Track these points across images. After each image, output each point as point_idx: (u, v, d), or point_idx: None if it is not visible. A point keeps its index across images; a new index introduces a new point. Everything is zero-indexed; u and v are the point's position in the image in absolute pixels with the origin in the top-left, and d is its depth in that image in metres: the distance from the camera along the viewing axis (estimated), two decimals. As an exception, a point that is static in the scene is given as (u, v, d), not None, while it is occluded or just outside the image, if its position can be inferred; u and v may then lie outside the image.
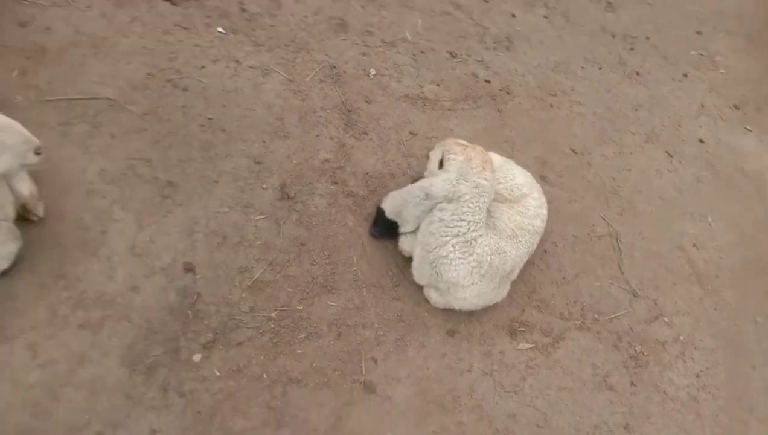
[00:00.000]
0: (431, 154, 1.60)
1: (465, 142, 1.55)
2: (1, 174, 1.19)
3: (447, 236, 1.44)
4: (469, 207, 1.42)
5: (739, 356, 1.70)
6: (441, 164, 1.51)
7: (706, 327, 1.72)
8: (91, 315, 1.33)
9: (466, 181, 1.42)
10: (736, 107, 2.32)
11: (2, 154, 1.15)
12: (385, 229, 1.56)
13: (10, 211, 1.26)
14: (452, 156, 1.49)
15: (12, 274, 1.31)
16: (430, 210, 1.46)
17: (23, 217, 1.34)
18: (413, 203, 1.46)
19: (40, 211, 1.37)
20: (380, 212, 1.54)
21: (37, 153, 1.21)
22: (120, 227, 1.44)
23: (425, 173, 1.59)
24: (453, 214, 1.43)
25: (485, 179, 1.45)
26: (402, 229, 1.53)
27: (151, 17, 1.83)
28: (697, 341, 1.69)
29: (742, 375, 1.67)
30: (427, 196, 1.44)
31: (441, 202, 1.44)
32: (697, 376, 1.63)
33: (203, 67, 1.77)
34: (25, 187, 1.33)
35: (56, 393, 1.24)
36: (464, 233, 1.44)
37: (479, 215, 1.44)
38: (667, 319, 1.70)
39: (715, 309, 1.77)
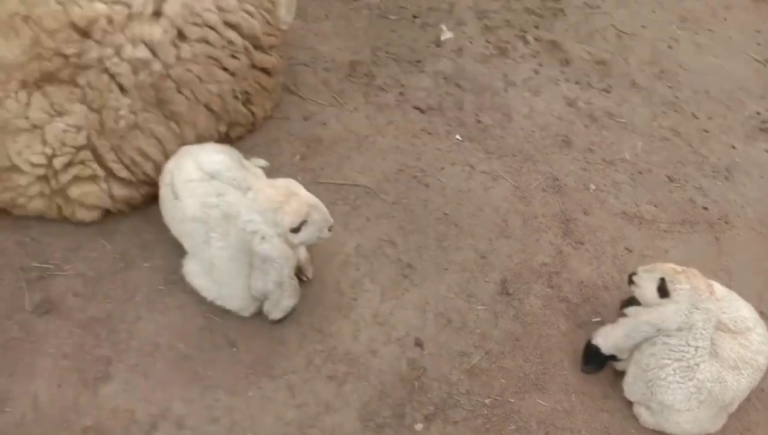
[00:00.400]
0: (637, 279, 1.60)
1: (679, 267, 1.58)
2: (302, 242, 1.47)
3: (669, 359, 1.47)
4: (701, 334, 1.45)
5: None
6: (661, 292, 1.54)
7: None
8: (338, 369, 1.55)
9: (698, 310, 1.45)
10: None
11: (309, 227, 1.43)
12: (600, 364, 1.60)
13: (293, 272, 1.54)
14: (678, 285, 1.50)
15: (283, 323, 1.58)
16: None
17: (296, 277, 1.62)
18: (639, 338, 1.49)
19: (310, 273, 1.65)
20: (593, 348, 1.56)
21: (329, 229, 1.49)
22: (368, 297, 1.68)
23: (639, 298, 1.60)
24: (680, 340, 1.45)
25: (713, 304, 1.48)
26: (620, 358, 1.56)
27: (403, 122, 2.14)
28: None
29: None
30: (659, 331, 1.47)
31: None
32: None
33: (443, 168, 2.03)
34: (303, 252, 1.61)
35: (305, 432, 1.44)
36: (689, 358, 1.46)
37: (706, 341, 1.46)
38: None
39: None
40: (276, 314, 1.53)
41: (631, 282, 1.62)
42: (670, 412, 1.51)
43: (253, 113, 1.89)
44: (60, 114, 1.50)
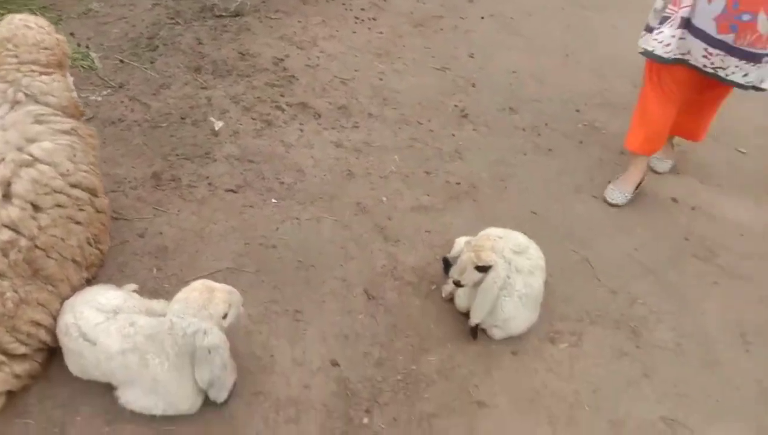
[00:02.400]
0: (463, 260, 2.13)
1: (477, 244, 2.20)
2: (230, 325, 1.75)
3: (498, 290, 2.11)
4: (506, 266, 2.11)
5: None
6: (479, 269, 2.15)
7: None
8: (289, 412, 1.87)
9: (504, 259, 2.12)
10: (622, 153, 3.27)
11: (232, 310, 1.72)
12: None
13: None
14: (484, 255, 2.13)
15: (228, 402, 1.83)
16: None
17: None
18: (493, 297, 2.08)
19: (227, 353, 1.92)
20: (475, 327, 2.13)
21: (243, 307, 1.80)
22: (280, 350, 2.01)
23: (464, 281, 2.14)
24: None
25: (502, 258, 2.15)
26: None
27: (225, 205, 2.47)
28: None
29: None
30: (500, 288, 2.08)
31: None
32: (675, 331, 2.37)
33: (277, 228, 2.43)
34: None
35: (291, 468, 1.74)
36: (507, 285, 2.12)
37: (505, 272, 2.13)
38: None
39: None
40: (223, 395, 1.78)
41: (447, 265, 2.23)
42: (509, 321, 2.16)
43: (101, 251, 2.06)
44: (-53, 320, 1.54)
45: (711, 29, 2.39)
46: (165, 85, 3.02)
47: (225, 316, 1.70)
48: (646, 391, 2.16)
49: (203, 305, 1.64)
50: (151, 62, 3.15)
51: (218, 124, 2.84)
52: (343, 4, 4.09)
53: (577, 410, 2.06)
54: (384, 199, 2.70)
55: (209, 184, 2.56)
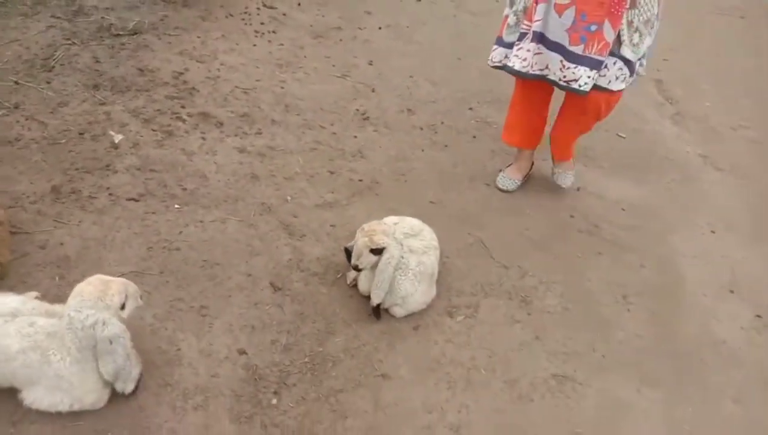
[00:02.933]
0: (354, 253, 2.27)
1: (366, 233, 2.35)
2: (129, 315, 1.80)
3: (393, 271, 2.26)
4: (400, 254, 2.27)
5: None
6: (374, 252, 2.29)
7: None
8: (197, 400, 1.93)
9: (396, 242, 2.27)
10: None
11: (130, 301, 1.77)
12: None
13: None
14: (378, 238, 2.27)
15: (136, 394, 1.88)
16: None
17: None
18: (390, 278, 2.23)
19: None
20: (377, 308, 2.27)
21: (141, 298, 1.85)
22: (187, 343, 2.07)
23: (362, 265, 2.29)
24: (386, 257, 2.24)
25: (394, 240, 2.30)
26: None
27: (127, 214, 2.51)
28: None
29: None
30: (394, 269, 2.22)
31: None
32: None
33: (180, 232, 2.48)
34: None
35: (202, 451, 1.81)
36: (401, 265, 2.27)
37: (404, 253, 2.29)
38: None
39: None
40: (130, 387, 1.82)
41: (348, 254, 2.35)
42: (408, 298, 2.31)
43: (0, 263, 2.06)
44: None
45: (565, 41, 2.51)
46: (62, 103, 3.02)
47: (123, 308, 1.75)
48: (537, 352, 2.36)
49: (99, 297, 1.69)
50: (48, 82, 3.14)
51: (118, 138, 2.87)
52: (243, 19, 4.20)
53: (474, 374, 2.22)
54: (289, 198, 2.81)
55: (110, 194, 2.59)
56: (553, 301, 2.58)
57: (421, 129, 3.52)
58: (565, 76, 2.58)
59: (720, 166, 3.73)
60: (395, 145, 3.34)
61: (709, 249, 3.04)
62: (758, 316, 2.70)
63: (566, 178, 3.15)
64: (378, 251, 2.23)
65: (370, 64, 4.06)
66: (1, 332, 1.70)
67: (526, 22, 2.58)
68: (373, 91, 3.78)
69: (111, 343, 1.71)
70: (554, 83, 2.64)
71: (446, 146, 3.42)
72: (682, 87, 4.57)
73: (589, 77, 2.54)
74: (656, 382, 2.32)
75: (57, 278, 2.18)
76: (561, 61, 2.55)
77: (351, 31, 4.42)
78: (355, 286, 2.43)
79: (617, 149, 3.69)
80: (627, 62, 2.57)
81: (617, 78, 2.59)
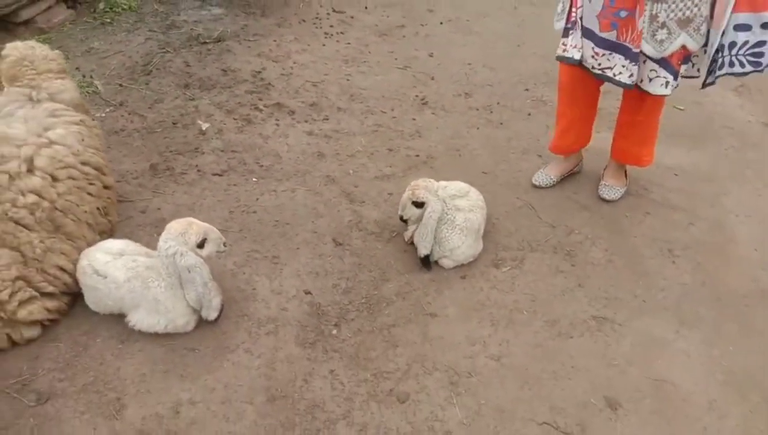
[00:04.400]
0: (403, 212, 2.55)
1: (410, 189, 2.62)
2: (208, 255, 2.16)
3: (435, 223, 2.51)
4: (441, 206, 2.51)
5: (624, 235, 2.82)
6: (416, 205, 2.57)
7: (600, 227, 2.85)
8: (269, 327, 2.26)
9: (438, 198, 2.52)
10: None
11: (209, 244, 2.13)
12: (430, 261, 2.55)
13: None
14: (420, 193, 2.55)
15: (219, 321, 2.24)
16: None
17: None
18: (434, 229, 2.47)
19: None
20: (424, 259, 2.51)
21: (224, 245, 2.21)
22: (261, 284, 2.42)
23: (411, 217, 2.61)
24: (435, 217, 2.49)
25: (435, 196, 2.55)
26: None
27: (212, 185, 2.92)
28: (598, 236, 2.81)
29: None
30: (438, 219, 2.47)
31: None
32: (606, 251, 2.73)
33: (257, 199, 2.86)
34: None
35: (273, 367, 2.13)
36: (447, 218, 2.52)
37: (444, 210, 2.52)
38: (576, 231, 2.82)
39: (601, 217, 2.91)
40: (212, 314, 2.18)
41: (402, 218, 2.63)
42: (456, 250, 2.54)
43: (110, 222, 2.50)
44: (-9, 259, 1.98)
45: (596, 27, 2.45)
46: (158, 100, 3.52)
47: (202, 246, 2.11)
48: (578, 295, 2.52)
49: (181, 233, 2.06)
50: (146, 84, 3.66)
51: (205, 126, 3.31)
52: (314, 23, 4.61)
53: (516, 314, 2.42)
54: (351, 171, 3.13)
55: (198, 170, 3.01)
56: (598, 255, 2.72)
57: (477, 110, 3.75)
58: (600, 64, 2.53)
59: (784, 132, 3.69)
60: (451, 125, 3.59)
61: (764, 208, 3.05)
62: (813, 268, 2.70)
63: (612, 190, 3.03)
64: (419, 205, 2.48)
65: (431, 56, 4.34)
66: (111, 266, 2.11)
67: (574, 9, 2.54)
68: (432, 78, 4.05)
69: (189, 271, 2.06)
70: (591, 72, 2.58)
71: (501, 124, 3.62)
72: (751, 61, 4.50)
73: (624, 66, 2.46)
74: (696, 324, 2.41)
75: (155, 235, 2.59)
76: (593, 48, 2.51)
77: (413, 28, 4.73)
78: (412, 243, 2.68)
79: (674, 120, 3.73)
80: (665, 65, 2.44)
81: (651, 79, 2.49)
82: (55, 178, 2.19)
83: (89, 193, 2.31)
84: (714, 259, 2.73)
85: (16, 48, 2.45)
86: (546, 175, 3.12)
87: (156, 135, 3.24)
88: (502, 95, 3.92)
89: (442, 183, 2.74)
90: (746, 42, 2.33)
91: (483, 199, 2.72)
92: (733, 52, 2.36)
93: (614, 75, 2.52)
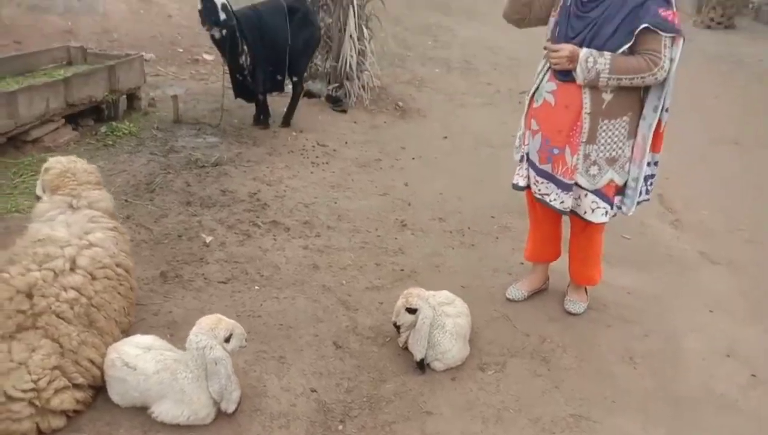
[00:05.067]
0: (398, 319, 2.90)
1: (405, 295, 2.95)
2: (232, 350, 2.36)
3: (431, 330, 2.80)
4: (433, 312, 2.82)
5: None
6: (409, 311, 2.87)
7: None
8: (281, 422, 2.42)
9: (428, 305, 2.83)
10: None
11: (234, 339, 2.34)
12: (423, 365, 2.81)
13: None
14: (413, 300, 2.87)
15: (235, 414, 2.39)
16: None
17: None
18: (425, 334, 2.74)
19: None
20: (421, 362, 2.77)
21: (246, 341, 2.43)
22: (271, 382, 2.60)
23: (402, 323, 2.90)
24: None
25: (428, 302, 2.87)
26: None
27: (218, 292, 3.15)
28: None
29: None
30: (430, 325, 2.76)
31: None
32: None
33: (261, 304, 3.09)
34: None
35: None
36: (441, 324, 2.82)
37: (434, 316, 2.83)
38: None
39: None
40: (231, 406, 2.35)
41: (395, 325, 2.92)
42: (447, 353, 2.82)
43: (130, 322, 2.69)
44: (34, 349, 2.14)
45: (536, 160, 2.96)
46: (163, 215, 3.81)
47: (228, 340, 2.33)
48: (556, 396, 2.80)
49: (211, 328, 2.28)
50: (151, 200, 3.97)
51: (208, 239, 3.60)
52: (301, 154, 5.11)
53: (503, 413, 2.67)
54: (344, 282, 3.43)
55: (205, 278, 3.25)
56: (569, 361, 3.04)
57: (451, 232, 4.19)
58: (539, 190, 3.00)
59: (716, 260, 4.25)
60: (430, 244, 4.00)
61: (708, 325, 3.49)
62: (753, 375, 3.09)
63: (576, 305, 3.39)
64: (412, 311, 2.78)
65: (406, 185, 4.85)
66: (141, 359, 2.29)
67: (523, 145, 3.10)
68: (409, 205, 4.52)
69: (216, 364, 2.26)
70: (535, 197, 3.05)
71: (473, 245, 4.06)
72: (681, 200, 5.21)
73: (557, 195, 2.93)
74: (659, 422, 2.71)
75: (168, 336, 2.78)
76: (535, 176, 3.01)
77: (389, 162, 5.29)
78: (405, 348, 2.94)
79: (622, 247, 4.26)
80: (602, 196, 2.92)
81: (593, 210, 2.94)
82: (93, 277, 2.41)
83: (119, 293, 2.52)
84: (669, 366, 3.09)
85: (59, 162, 2.76)
86: (518, 289, 3.49)
87: (163, 246, 3.50)
88: (471, 221, 4.39)
89: (431, 292, 3.08)
90: (652, 175, 2.98)
91: (467, 307, 3.05)
92: (647, 183, 2.98)
93: (550, 201, 2.98)
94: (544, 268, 3.54)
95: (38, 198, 2.85)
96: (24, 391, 2.08)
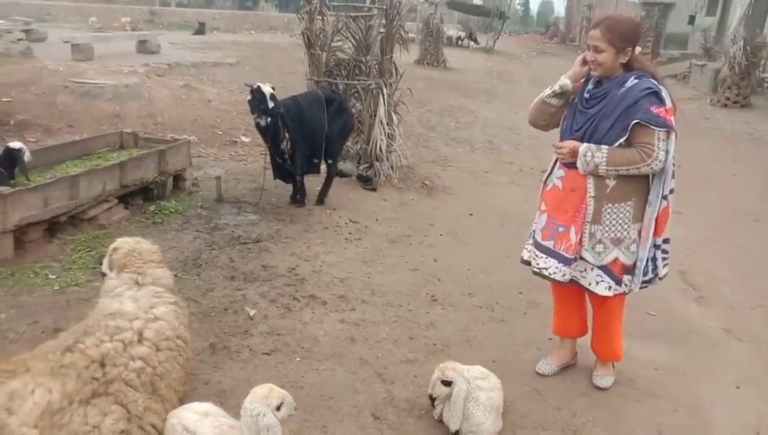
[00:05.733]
0: (434, 391, 3.06)
1: (440, 369, 3.12)
2: (282, 418, 2.53)
3: (465, 402, 2.94)
4: (466, 387, 2.97)
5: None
6: (444, 384, 3.04)
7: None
8: None
9: (463, 378, 2.99)
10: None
11: (284, 407, 2.52)
12: None
13: None
14: (449, 373, 3.04)
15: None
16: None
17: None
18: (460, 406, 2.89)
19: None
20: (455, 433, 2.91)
21: (295, 409, 2.60)
22: None
23: (437, 393, 3.06)
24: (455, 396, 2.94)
25: (463, 375, 3.03)
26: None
27: (262, 363, 3.34)
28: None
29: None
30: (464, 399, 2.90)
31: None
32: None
33: (303, 376, 3.27)
34: None
35: None
36: (474, 397, 2.95)
37: (467, 390, 2.98)
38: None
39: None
40: (280, 473, 2.50)
41: (431, 397, 3.08)
42: (481, 426, 2.94)
43: (185, 391, 2.89)
44: (106, 414, 2.34)
45: (539, 238, 3.20)
46: (210, 289, 4.07)
47: (279, 408, 2.50)
48: (588, 469, 2.89)
49: (264, 396, 2.47)
50: (198, 275, 4.24)
51: (252, 312, 3.83)
52: (335, 230, 5.39)
53: (537, 484, 2.77)
54: (379, 355, 3.60)
55: (250, 350, 3.46)
56: (600, 434, 3.14)
57: (481, 307, 4.37)
58: (538, 265, 3.22)
59: (741, 337, 4.34)
60: (460, 319, 4.17)
61: (736, 400, 3.56)
62: (783, 452, 3.15)
63: (603, 379, 3.49)
64: (448, 383, 2.94)
65: (435, 261, 5.07)
66: (199, 424, 2.48)
67: (533, 224, 3.35)
68: (438, 280, 4.72)
69: (268, 431, 2.43)
70: (533, 271, 3.27)
71: (502, 320, 4.22)
72: (703, 276, 5.34)
73: (557, 268, 3.12)
74: (692, 496, 2.78)
75: (219, 404, 2.96)
76: (535, 251, 3.24)
77: (418, 238, 5.54)
78: (440, 420, 3.07)
79: (647, 323, 4.38)
80: (607, 272, 3.08)
81: (598, 283, 3.10)
82: (158, 348, 2.64)
83: (179, 363, 2.74)
84: (699, 442, 3.17)
85: (126, 242, 3.05)
86: (548, 364, 3.63)
87: (210, 318, 3.73)
88: (500, 296, 4.57)
89: (465, 366, 3.24)
90: (654, 257, 3.14)
91: (499, 381, 3.19)
92: (654, 263, 3.15)
93: (550, 274, 3.17)
94: (572, 344, 3.68)
95: (104, 275, 3.12)
96: (96, 452, 2.27)
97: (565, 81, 3.19)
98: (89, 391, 2.35)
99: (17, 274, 4.04)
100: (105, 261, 3.16)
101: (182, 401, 2.85)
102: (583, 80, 3.18)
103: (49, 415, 2.23)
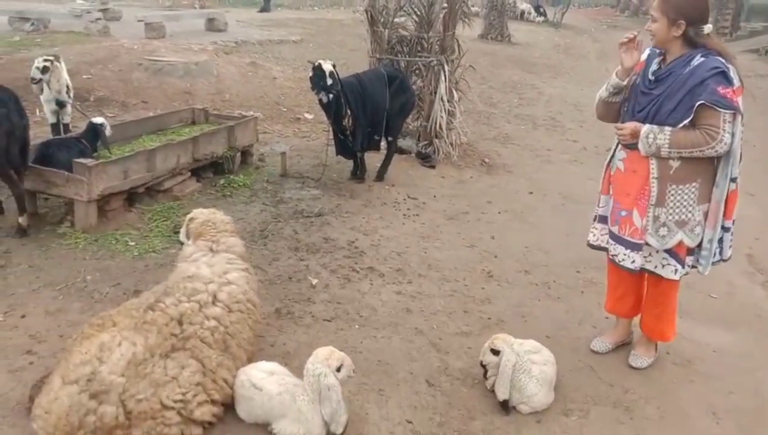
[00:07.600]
0: (484, 358, 3.20)
1: (492, 340, 3.23)
2: (341, 379, 2.71)
3: (518, 374, 3.04)
4: (517, 358, 3.06)
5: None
6: (493, 352, 3.16)
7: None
8: None
9: (511, 349, 3.08)
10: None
11: (344, 369, 2.68)
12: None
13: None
14: (497, 343, 3.15)
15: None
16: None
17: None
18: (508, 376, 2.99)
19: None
20: (505, 403, 3.02)
21: (354, 371, 2.77)
22: (371, 411, 2.92)
23: (489, 363, 3.18)
24: (520, 364, 3.04)
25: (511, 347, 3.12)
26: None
27: (323, 328, 3.54)
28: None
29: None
30: (512, 366, 2.99)
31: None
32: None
33: (361, 342, 3.45)
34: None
35: None
36: (525, 369, 3.04)
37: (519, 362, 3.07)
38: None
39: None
40: (339, 429, 2.66)
41: (482, 364, 3.20)
42: (533, 397, 3.04)
43: (252, 351, 3.11)
44: (184, 367, 2.58)
45: (608, 222, 3.21)
46: (275, 259, 4.29)
47: (339, 370, 2.67)
48: (638, 445, 2.95)
49: (326, 357, 2.65)
50: (264, 245, 4.47)
51: (314, 281, 4.03)
52: (394, 206, 5.53)
53: (586, 455, 2.85)
54: (434, 326, 3.73)
55: (312, 316, 3.66)
56: (651, 411, 3.17)
57: (537, 285, 4.41)
58: (610, 251, 3.23)
59: (810, 323, 4.21)
60: (516, 295, 4.24)
61: (798, 386, 3.50)
62: None
63: (639, 359, 3.46)
64: (496, 352, 3.04)
65: (492, 238, 5.13)
66: (266, 381, 2.69)
67: (597, 206, 3.39)
68: (495, 256, 4.79)
69: (328, 389, 2.61)
70: (609, 257, 3.27)
71: (558, 298, 4.26)
72: (772, 261, 5.17)
73: (625, 255, 3.11)
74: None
75: (284, 364, 3.17)
76: (608, 238, 3.24)
77: (476, 215, 5.60)
78: (492, 391, 3.17)
79: (709, 306, 4.32)
80: (673, 255, 3.07)
81: (664, 266, 3.11)
82: (230, 310, 2.86)
83: (248, 325, 2.96)
84: (755, 423, 3.15)
85: (202, 213, 3.29)
86: (603, 342, 3.65)
87: (276, 286, 3.95)
88: (557, 274, 4.60)
89: (518, 340, 3.32)
90: (722, 238, 3.09)
91: (553, 356, 3.26)
92: (720, 246, 3.11)
93: (620, 261, 3.16)
94: (628, 323, 3.68)
95: (181, 243, 3.37)
96: (175, 401, 2.51)
97: (616, 81, 3.16)
98: (169, 346, 2.60)
99: (101, 241, 4.39)
100: (182, 229, 3.41)
101: (250, 360, 3.08)
102: (644, 59, 3.15)
103: (134, 366, 2.49)
